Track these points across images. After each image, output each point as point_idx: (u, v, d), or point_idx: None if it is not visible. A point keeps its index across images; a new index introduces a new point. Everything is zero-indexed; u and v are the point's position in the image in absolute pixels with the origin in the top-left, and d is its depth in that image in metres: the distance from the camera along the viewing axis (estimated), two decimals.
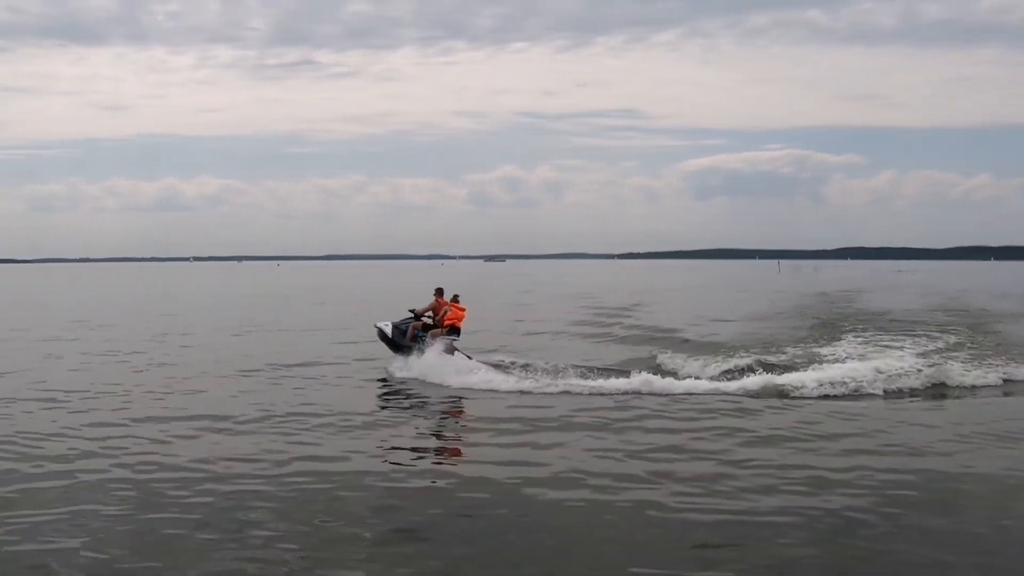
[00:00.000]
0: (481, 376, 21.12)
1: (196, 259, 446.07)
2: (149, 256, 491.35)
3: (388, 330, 23.96)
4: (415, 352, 22.80)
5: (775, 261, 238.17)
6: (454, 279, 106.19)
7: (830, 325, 35.24)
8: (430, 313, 23.79)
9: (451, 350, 22.66)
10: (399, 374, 22.19)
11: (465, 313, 23.90)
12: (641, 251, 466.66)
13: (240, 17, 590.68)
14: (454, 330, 23.30)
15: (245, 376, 22.56)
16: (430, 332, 23.24)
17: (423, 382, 21.08)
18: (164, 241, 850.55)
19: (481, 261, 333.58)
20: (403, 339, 23.55)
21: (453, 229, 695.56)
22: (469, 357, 22.65)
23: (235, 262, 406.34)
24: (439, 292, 24.03)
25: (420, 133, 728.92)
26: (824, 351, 25.93)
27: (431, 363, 21.93)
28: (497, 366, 22.63)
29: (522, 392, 19.58)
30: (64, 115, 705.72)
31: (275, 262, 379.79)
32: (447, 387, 20.40)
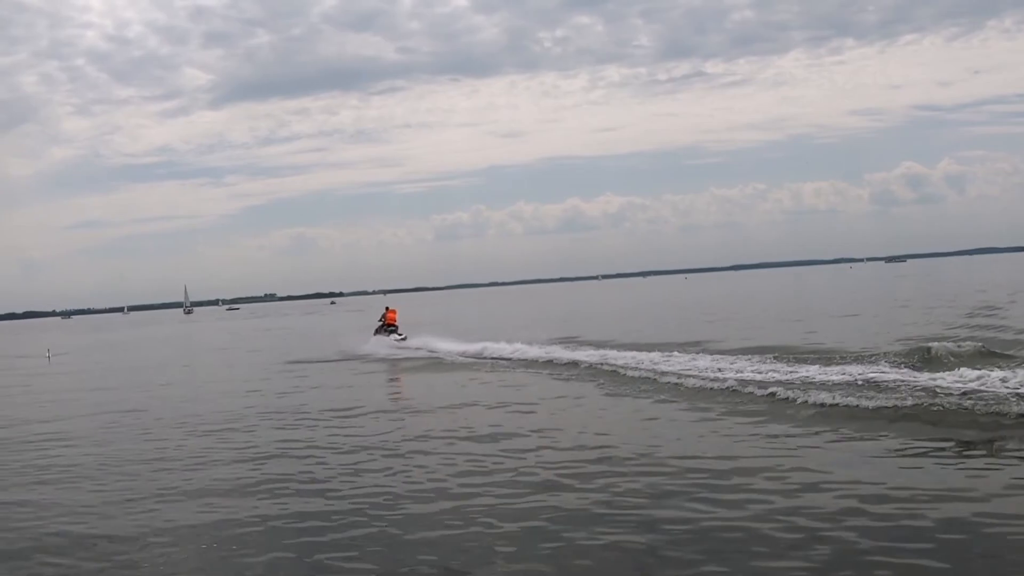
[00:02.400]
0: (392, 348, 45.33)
1: (604, 277, 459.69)
2: (557, 276, 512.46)
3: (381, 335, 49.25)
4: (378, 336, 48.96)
5: None
6: (854, 285, 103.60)
7: None
8: (381, 321, 50.32)
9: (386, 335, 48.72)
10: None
11: (396, 314, 50.68)
12: None
13: (626, 36, 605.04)
14: (391, 326, 49.33)
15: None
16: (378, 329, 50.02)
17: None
18: (570, 261, 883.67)
19: (882, 263, 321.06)
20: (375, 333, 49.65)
21: (856, 231, 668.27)
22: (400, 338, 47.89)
23: (640, 277, 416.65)
24: (387, 308, 52.03)
25: (817, 136, 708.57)
26: None
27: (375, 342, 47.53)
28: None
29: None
30: (464, 146, 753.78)
31: (682, 275, 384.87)
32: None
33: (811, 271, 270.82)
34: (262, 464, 16.59)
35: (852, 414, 17.55)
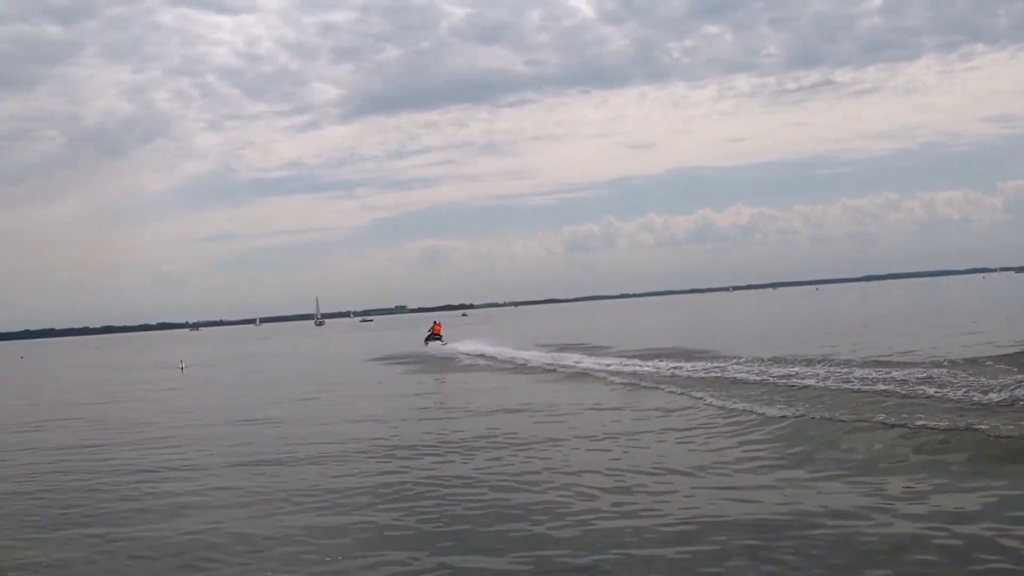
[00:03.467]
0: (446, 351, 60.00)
1: (734, 288, 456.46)
2: (687, 288, 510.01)
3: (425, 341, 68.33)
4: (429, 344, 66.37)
5: None
6: (987, 295, 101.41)
7: None
8: (430, 332, 69.55)
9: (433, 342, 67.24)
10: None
11: (441, 327, 70.33)
12: None
13: (755, 44, 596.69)
14: (437, 335, 67.90)
15: None
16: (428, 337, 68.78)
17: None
18: (702, 271, 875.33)
19: (1013, 272, 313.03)
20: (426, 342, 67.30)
21: (990, 240, 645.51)
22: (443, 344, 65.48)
23: (770, 289, 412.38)
24: (434, 322, 71.95)
25: (948, 144, 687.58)
26: None
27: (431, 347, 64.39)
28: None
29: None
30: (594, 157, 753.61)
31: (813, 287, 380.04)
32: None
33: (943, 282, 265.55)
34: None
35: None
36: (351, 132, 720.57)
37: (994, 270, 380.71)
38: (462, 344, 62.83)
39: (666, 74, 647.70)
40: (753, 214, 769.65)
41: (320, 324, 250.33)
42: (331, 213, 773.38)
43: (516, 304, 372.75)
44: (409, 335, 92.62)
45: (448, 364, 49.00)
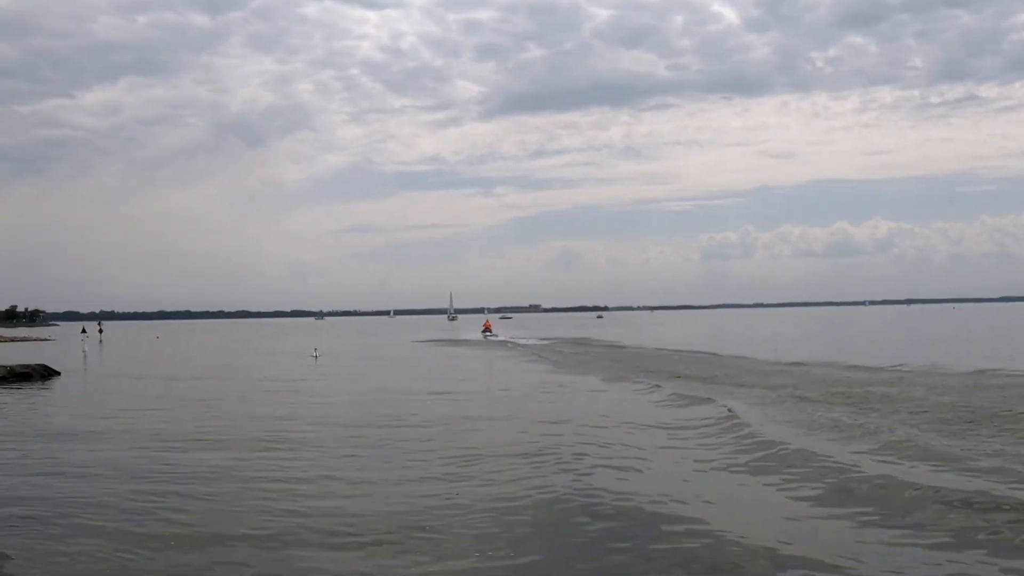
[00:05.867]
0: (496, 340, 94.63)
1: (870, 303, 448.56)
2: (823, 300, 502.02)
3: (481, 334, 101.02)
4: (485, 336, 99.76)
5: None
6: None
7: None
8: (484, 327, 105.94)
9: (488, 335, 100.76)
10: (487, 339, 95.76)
11: (490, 323, 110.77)
12: None
13: (899, 57, 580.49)
14: (488, 330, 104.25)
15: None
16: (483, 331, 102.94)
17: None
18: (837, 285, 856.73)
19: None
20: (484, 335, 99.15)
21: None
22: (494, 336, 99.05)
23: (904, 305, 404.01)
24: (487, 320, 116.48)
25: None
26: None
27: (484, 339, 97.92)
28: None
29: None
30: (734, 165, 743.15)
31: (950, 305, 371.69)
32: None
33: None
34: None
35: None
36: (491, 130, 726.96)
37: None
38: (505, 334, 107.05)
39: (808, 84, 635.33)
40: (891, 228, 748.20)
41: (453, 319, 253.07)
42: (469, 210, 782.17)
43: (651, 309, 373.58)
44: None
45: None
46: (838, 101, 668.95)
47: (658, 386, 33.69)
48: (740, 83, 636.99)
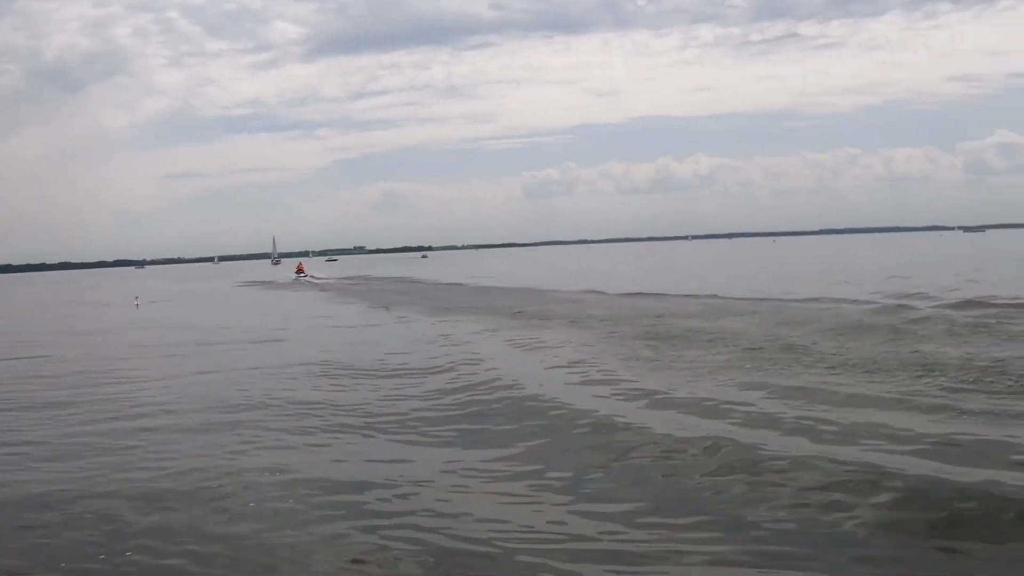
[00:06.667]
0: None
1: (693, 237, 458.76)
2: (646, 236, 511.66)
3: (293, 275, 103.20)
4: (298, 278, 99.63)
5: None
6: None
7: None
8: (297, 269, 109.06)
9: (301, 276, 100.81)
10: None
11: (303, 265, 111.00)
12: None
13: None
14: (300, 272, 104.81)
15: None
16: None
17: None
18: (660, 220, 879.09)
19: (961, 232, 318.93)
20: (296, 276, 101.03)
21: (949, 199, 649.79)
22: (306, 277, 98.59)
23: (726, 239, 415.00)
24: (300, 262, 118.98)
25: (912, 101, 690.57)
26: None
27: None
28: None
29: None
30: (557, 103, 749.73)
31: (771, 238, 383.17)
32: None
33: (902, 238, 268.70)
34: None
35: None
36: (313, 72, 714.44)
37: (952, 229, 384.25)
38: (317, 273, 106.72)
39: (630, 22, 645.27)
40: (713, 164, 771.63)
41: (277, 264, 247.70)
42: (292, 154, 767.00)
43: (476, 247, 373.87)
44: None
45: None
46: (660, 39, 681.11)
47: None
48: (562, 22, 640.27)
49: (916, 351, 19.54)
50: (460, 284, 68.25)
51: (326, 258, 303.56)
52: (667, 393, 15.84)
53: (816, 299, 34.93)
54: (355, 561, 8.57)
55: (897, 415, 13.19)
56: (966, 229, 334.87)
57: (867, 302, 32.24)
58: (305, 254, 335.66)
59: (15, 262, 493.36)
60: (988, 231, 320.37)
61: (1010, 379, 15.44)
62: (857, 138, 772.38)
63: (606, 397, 16.03)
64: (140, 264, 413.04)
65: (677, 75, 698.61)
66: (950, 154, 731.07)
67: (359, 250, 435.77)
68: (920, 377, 16.32)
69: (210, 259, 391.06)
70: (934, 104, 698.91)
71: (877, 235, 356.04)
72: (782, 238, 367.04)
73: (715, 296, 39.26)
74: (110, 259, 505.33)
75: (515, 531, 9.23)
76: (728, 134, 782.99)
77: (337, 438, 14.01)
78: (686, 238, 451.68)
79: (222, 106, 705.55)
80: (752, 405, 14.42)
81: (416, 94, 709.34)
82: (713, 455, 11.31)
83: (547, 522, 9.47)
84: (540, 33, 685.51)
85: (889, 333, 22.85)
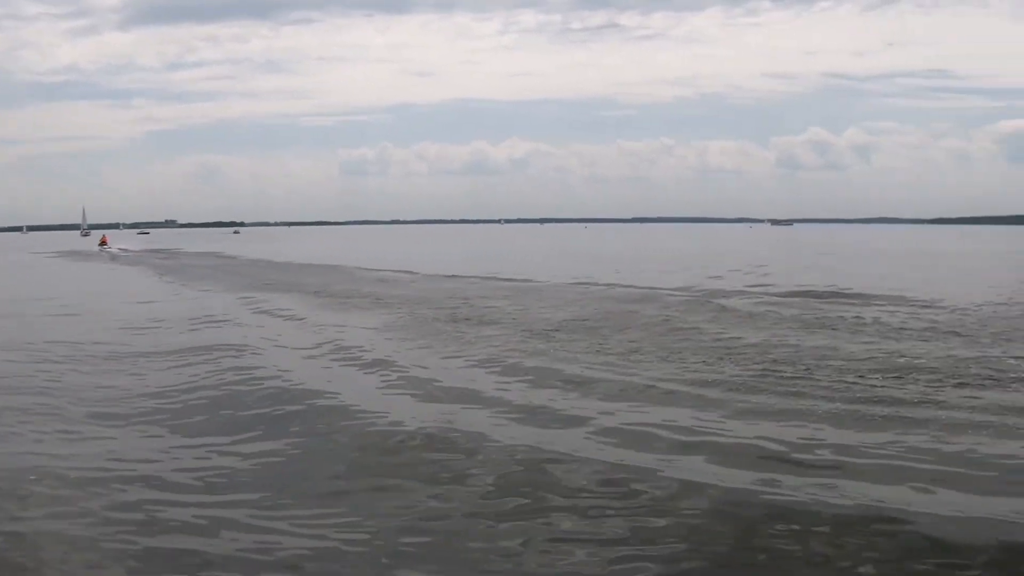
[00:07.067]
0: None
1: (506, 221, 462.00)
2: (459, 218, 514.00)
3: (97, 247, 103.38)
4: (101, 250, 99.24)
5: None
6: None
7: None
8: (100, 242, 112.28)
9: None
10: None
11: (107, 238, 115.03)
12: (954, 216, 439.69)
13: None
14: (104, 244, 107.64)
15: None
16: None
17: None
18: (474, 203, 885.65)
19: (768, 224, 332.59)
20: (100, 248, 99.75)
21: (761, 192, 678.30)
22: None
23: (538, 224, 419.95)
24: (104, 235, 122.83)
25: (728, 95, 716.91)
26: None
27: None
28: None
29: None
30: (376, 82, 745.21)
31: (582, 224, 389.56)
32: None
33: (712, 229, 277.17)
34: None
35: None
36: (129, 40, 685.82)
37: (762, 221, 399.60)
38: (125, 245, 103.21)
39: (452, 4, 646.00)
40: (528, 149, 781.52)
41: (86, 235, 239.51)
42: (106, 123, 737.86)
43: (289, 224, 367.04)
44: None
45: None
46: (481, 23, 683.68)
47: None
48: (384, 1, 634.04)
49: (712, 336, 20.40)
50: (269, 260, 66.95)
51: (137, 231, 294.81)
52: (433, 380, 15.43)
53: (623, 284, 35.88)
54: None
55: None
56: (774, 222, 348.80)
57: (663, 288, 33.30)
58: (116, 226, 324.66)
59: None
60: (796, 224, 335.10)
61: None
62: (673, 129, 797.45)
63: (355, 381, 15.81)
64: None
65: (497, 59, 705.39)
66: (763, 149, 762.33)
67: (171, 223, 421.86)
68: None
69: (18, 228, 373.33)
70: (750, 99, 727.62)
71: (689, 225, 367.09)
72: (594, 225, 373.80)
73: (528, 280, 39.45)
74: None
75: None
76: (544, 120, 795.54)
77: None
78: (499, 222, 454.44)
79: (38, 72, 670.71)
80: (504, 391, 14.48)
81: (234, 67, 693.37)
82: (421, 443, 11.32)
83: None
84: (361, 12, 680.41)
85: (662, 320, 23.56)
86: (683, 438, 11.29)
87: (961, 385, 14.06)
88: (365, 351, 18.96)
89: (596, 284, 36.44)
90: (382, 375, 16.14)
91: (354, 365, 17.46)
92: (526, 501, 9.08)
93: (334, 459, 10.82)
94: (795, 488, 9.28)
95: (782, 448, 10.78)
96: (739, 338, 19.70)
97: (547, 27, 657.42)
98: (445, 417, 12.60)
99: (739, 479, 9.61)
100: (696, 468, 10.04)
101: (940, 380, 14.42)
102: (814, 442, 11.00)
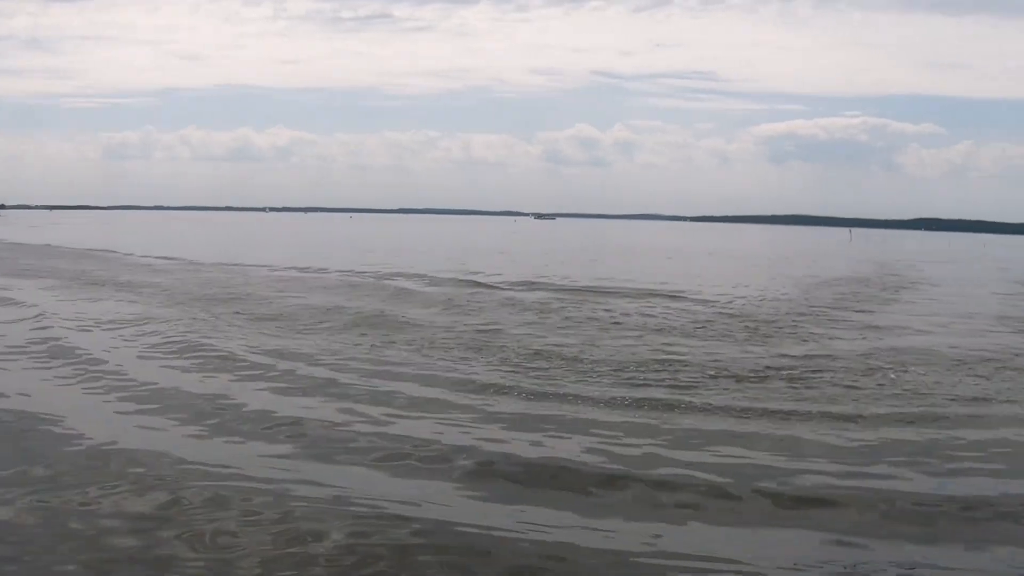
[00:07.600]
0: None
1: (272, 209, 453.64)
2: (223, 205, 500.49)
3: None
4: None
5: (847, 229, 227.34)
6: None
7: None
8: None
9: None
10: None
11: None
12: (715, 215, 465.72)
13: None
14: None
15: None
16: None
17: None
18: (238, 190, 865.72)
19: (532, 218, 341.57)
20: None
21: (526, 186, 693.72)
22: None
23: (303, 213, 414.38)
24: None
25: (494, 90, 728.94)
26: None
27: None
28: None
29: None
30: (142, 64, 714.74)
31: (347, 214, 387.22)
32: None
33: (476, 221, 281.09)
34: None
35: None
36: None
37: (526, 215, 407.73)
38: None
39: None
40: (292, 137, 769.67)
41: None
42: None
43: (50, 208, 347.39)
44: None
45: None
46: (250, 7, 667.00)
47: None
48: None
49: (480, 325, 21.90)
50: (25, 244, 64.08)
51: None
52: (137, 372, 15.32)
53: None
54: None
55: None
56: (538, 216, 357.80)
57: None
58: None
59: None
60: (558, 219, 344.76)
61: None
62: (438, 121, 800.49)
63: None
64: None
65: (265, 45, 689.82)
66: (529, 143, 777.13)
67: None
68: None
69: None
70: (516, 94, 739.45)
71: (453, 217, 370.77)
72: (359, 215, 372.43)
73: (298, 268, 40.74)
74: None
75: None
76: (310, 108, 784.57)
77: None
78: (264, 210, 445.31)
79: None
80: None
81: None
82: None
83: None
84: None
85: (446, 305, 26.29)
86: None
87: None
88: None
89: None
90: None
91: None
92: None
93: None
94: None
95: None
96: None
97: (317, 15, 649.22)
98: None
99: None
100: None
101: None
102: None
